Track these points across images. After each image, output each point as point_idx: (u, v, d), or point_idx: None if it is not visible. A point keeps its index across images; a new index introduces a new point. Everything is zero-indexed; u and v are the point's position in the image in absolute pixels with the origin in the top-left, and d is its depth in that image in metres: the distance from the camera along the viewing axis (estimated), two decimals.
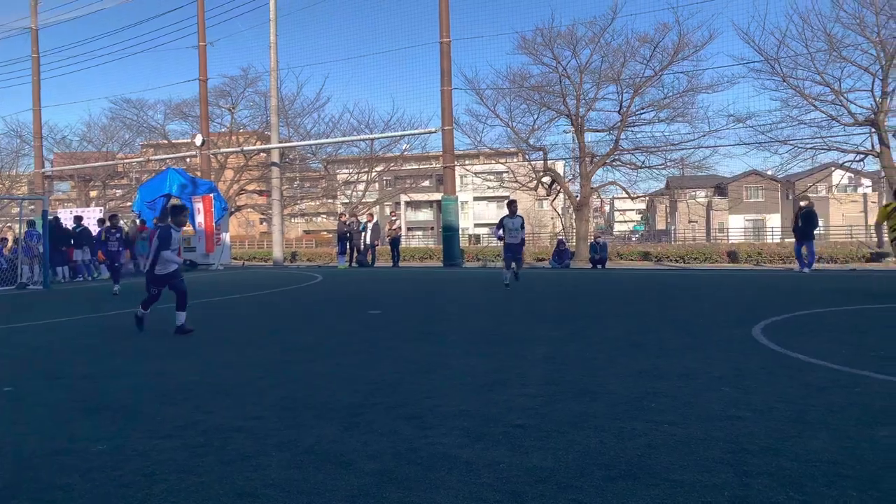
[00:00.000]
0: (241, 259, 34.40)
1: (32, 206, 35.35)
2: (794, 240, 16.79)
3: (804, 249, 15.89)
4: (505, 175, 34.73)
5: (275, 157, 27.92)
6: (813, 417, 3.97)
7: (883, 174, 25.48)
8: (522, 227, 12.83)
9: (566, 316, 9.03)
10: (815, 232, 16.65)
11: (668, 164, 28.64)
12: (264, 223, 56.60)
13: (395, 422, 4.08)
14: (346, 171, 42.87)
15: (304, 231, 67.66)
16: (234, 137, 37.58)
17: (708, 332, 7.26)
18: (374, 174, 41.55)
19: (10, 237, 23.44)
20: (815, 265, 16.78)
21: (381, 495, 2.97)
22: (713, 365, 5.51)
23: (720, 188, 59.51)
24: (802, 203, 16.63)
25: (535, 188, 31.45)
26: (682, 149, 27.55)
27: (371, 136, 34.46)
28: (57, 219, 19.74)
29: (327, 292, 13.54)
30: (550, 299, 11.23)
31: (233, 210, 35.69)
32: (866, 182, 51.43)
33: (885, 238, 10.92)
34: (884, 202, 22.05)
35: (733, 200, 55.94)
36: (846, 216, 52.04)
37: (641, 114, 28.18)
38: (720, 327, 7.50)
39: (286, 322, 9.34)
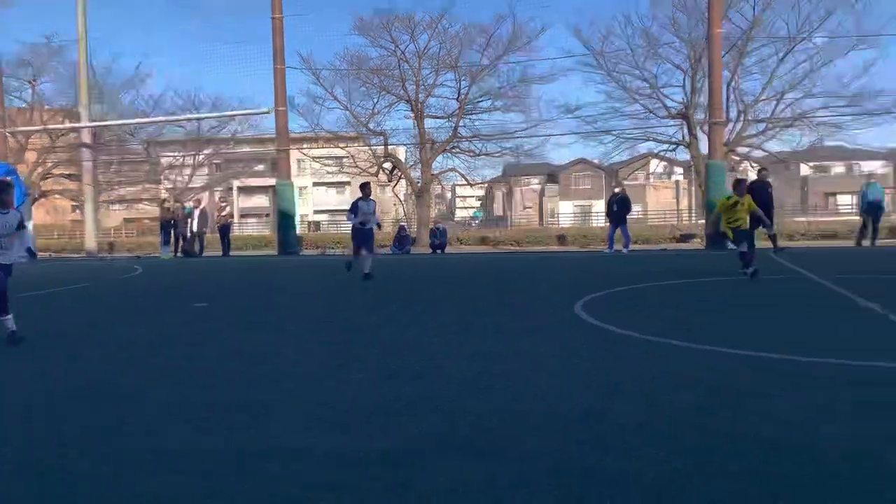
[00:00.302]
0: (49, 250, 30.99)
1: None
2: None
3: (618, 232, 17.25)
4: (345, 160, 34.26)
5: (86, 138, 25.37)
6: (627, 386, 4.24)
7: (692, 163, 28.35)
8: (375, 212, 11.96)
9: (405, 301, 9.04)
10: (630, 216, 18.10)
11: (504, 152, 29.82)
12: (78, 210, 51.42)
13: (225, 415, 3.80)
14: (171, 154, 40.01)
15: (125, 219, 62.46)
16: (37, 114, 33.61)
17: (537, 312, 7.59)
18: (201, 157, 39.17)
19: None
20: (632, 246, 18.27)
21: (205, 495, 2.72)
22: (541, 343, 5.73)
23: (552, 176, 63.12)
24: (616, 189, 18.10)
25: (377, 174, 31.36)
26: (517, 137, 28.81)
27: (197, 116, 32.39)
28: None
29: (148, 285, 12.54)
30: (389, 285, 11.21)
31: (37, 196, 31.99)
32: (679, 170, 56.92)
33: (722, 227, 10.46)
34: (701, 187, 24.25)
35: (563, 187, 59.62)
36: (661, 201, 57.36)
37: (479, 102, 29.05)
38: (548, 307, 7.87)
39: (104, 318, 8.48)
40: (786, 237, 20.85)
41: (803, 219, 35.08)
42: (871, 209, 16.64)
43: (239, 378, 4.74)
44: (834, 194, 53.77)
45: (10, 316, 6.36)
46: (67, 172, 35.97)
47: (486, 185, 56.47)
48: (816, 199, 55.07)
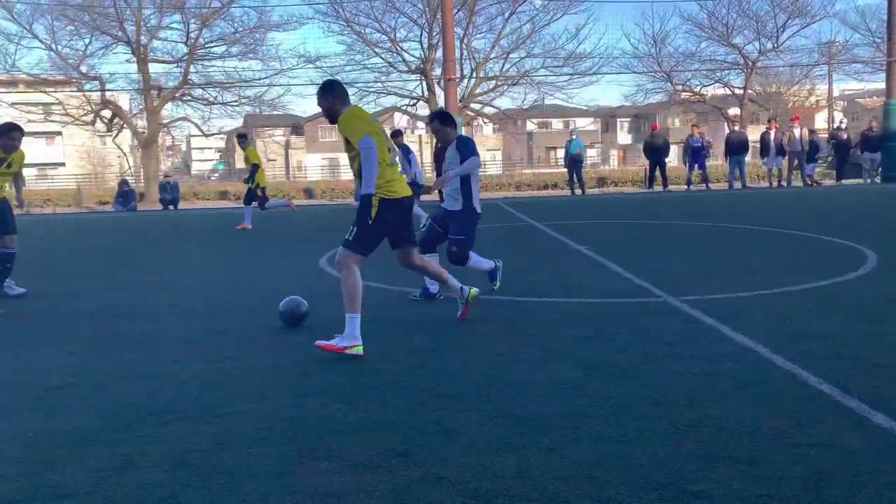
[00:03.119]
0: None
1: None
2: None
3: None
4: (53, 107, 29.61)
5: None
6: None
7: None
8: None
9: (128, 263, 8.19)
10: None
11: (243, 101, 28.27)
12: None
13: None
14: None
15: None
16: None
17: (289, 266, 7.37)
18: None
19: None
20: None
21: None
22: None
23: (297, 127, 61.53)
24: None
25: (93, 122, 27.77)
26: (256, 86, 27.41)
27: None
28: None
29: None
30: (99, 249, 10.05)
31: None
32: (421, 125, 58.87)
33: None
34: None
35: (310, 139, 58.54)
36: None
37: (212, 47, 26.98)
38: (287, 258, 7.67)
39: None
40: (513, 188, 22.92)
41: (529, 171, 38.86)
42: (572, 162, 18.71)
43: None
44: (554, 148, 60.18)
45: None
46: None
47: (223, 135, 53.24)
48: (540, 153, 61.37)
